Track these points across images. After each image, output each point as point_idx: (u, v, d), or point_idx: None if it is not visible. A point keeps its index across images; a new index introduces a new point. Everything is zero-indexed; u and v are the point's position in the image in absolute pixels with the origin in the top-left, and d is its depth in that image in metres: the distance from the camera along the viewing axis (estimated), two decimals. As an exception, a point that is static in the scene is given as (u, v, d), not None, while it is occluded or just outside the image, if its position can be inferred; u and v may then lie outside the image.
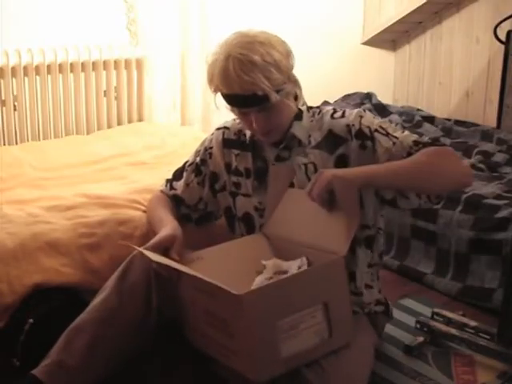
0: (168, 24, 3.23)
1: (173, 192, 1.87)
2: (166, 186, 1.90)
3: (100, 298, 1.61)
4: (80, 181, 2.42)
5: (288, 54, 1.59)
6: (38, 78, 2.92)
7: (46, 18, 2.96)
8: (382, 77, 4.27)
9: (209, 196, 1.84)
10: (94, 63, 3.04)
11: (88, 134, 3.10)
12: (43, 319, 1.76)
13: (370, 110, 3.75)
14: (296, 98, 1.65)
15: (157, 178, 2.39)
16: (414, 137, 1.64)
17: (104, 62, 3.07)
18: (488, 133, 3.43)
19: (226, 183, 1.80)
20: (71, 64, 2.98)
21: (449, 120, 3.71)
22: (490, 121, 3.65)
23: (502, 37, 3.43)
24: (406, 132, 1.66)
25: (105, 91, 3.13)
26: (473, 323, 2.05)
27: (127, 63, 3.17)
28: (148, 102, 3.27)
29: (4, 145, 2.88)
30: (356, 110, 1.66)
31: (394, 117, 3.74)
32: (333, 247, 1.48)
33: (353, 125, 1.62)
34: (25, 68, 2.86)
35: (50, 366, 1.51)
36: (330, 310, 1.45)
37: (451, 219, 2.49)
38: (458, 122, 3.66)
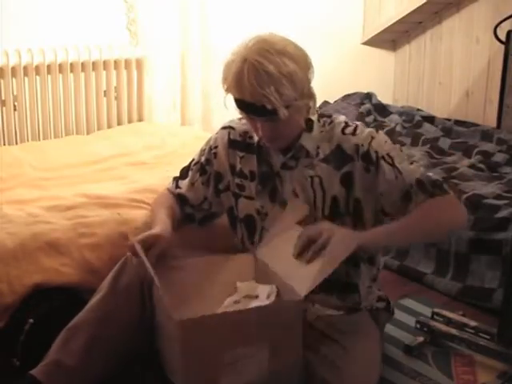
0: (168, 24, 3.23)
1: (178, 191, 1.85)
2: (173, 184, 1.89)
3: (96, 298, 1.63)
4: (80, 181, 2.41)
5: (306, 67, 1.56)
6: (38, 77, 2.92)
7: (46, 18, 2.96)
8: (382, 77, 4.27)
9: (213, 196, 1.83)
10: (93, 63, 3.04)
11: (88, 133, 3.11)
12: (43, 319, 1.76)
13: (369, 110, 3.76)
14: (308, 109, 1.62)
15: (157, 177, 2.40)
16: (419, 173, 1.62)
17: (104, 62, 3.07)
18: (488, 133, 3.42)
19: (230, 183, 1.79)
20: (71, 64, 2.98)
21: (449, 120, 3.71)
22: (490, 121, 3.65)
23: (502, 37, 3.43)
24: (413, 166, 1.64)
25: (105, 91, 3.13)
26: (473, 323, 2.05)
27: (127, 63, 3.17)
28: (148, 102, 3.27)
29: (4, 145, 2.88)
30: (368, 130, 1.64)
31: (394, 117, 3.75)
32: (296, 287, 1.45)
33: (362, 145, 1.61)
34: (25, 68, 2.86)
35: (48, 366, 1.53)
36: (276, 352, 1.41)
37: (451, 219, 2.49)
38: (457, 122, 3.66)
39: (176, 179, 1.89)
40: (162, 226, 1.65)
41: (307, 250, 1.49)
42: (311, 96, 1.60)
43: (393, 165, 1.60)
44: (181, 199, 1.84)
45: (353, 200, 1.64)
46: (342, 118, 1.70)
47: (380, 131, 1.68)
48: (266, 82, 1.47)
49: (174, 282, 1.53)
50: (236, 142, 1.76)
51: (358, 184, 1.62)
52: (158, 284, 1.42)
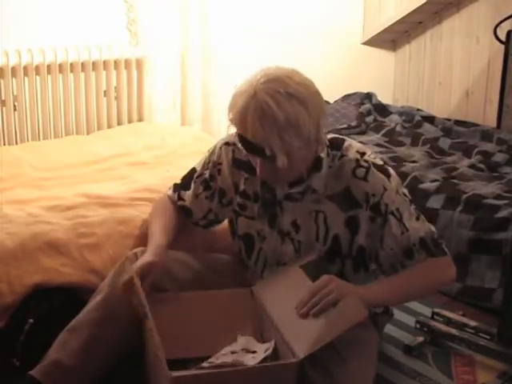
0: (168, 24, 3.22)
1: (181, 203, 1.81)
2: (174, 193, 1.83)
3: (95, 299, 1.63)
4: (80, 181, 2.41)
5: (317, 113, 1.46)
6: (38, 77, 2.91)
7: (46, 18, 2.96)
8: (382, 77, 4.27)
9: (218, 208, 1.79)
10: (93, 63, 3.04)
11: (88, 133, 3.10)
12: (43, 319, 1.76)
13: (369, 110, 3.75)
14: (315, 153, 1.55)
15: (157, 177, 2.40)
16: (423, 231, 1.60)
17: (104, 62, 3.07)
18: (488, 133, 3.42)
19: (233, 200, 1.75)
20: (71, 64, 2.98)
21: (449, 120, 3.71)
22: (490, 121, 3.65)
23: (502, 37, 3.43)
24: (419, 222, 1.61)
25: (105, 91, 3.13)
26: (473, 323, 2.05)
27: (127, 63, 3.17)
28: (148, 102, 3.27)
29: (4, 145, 2.88)
30: (381, 178, 1.56)
31: (394, 117, 3.74)
32: (295, 347, 1.41)
33: (373, 195, 1.55)
34: (25, 68, 2.86)
35: (47, 366, 1.54)
36: None
37: (451, 219, 2.49)
38: (458, 122, 3.66)
39: (177, 188, 1.83)
40: (154, 250, 1.61)
41: (312, 304, 1.45)
42: (319, 142, 1.52)
43: (400, 221, 1.57)
44: (185, 212, 1.80)
45: (357, 245, 1.62)
46: (354, 150, 1.59)
47: (393, 176, 1.59)
48: (270, 126, 1.39)
49: (167, 316, 1.51)
50: (241, 162, 1.68)
51: (363, 230, 1.59)
52: (151, 324, 1.38)
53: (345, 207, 1.59)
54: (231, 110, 1.47)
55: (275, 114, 1.39)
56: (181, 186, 1.84)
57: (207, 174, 1.77)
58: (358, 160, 1.58)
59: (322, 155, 1.58)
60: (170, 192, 1.86)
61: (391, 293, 1.58)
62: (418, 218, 1.62)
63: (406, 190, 1.65)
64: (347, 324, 1.43)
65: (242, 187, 1.71)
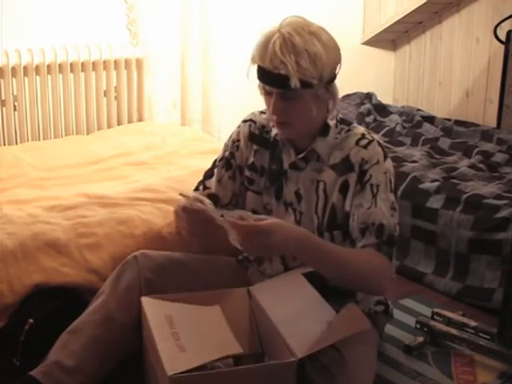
0: (168, 24, 3.23)
1: (207, 191, 1.79)
2: (199, 187, 1.82)
3: (96, 302, 1.64)
4: (80, 181, 2.42)
5: (334, 58, 1.57)
6: (37, 77, 2.92)
7: (45, 18, 2.96)
8: (382, 77, 4.27)
9: (240, 191, 1.79)
10: (93, 63, 3.04)
11: (88, 133, 3.11)
12: (43, 319, 1.76)
13: (369, 110, 3.76)
14: (327, 110, 1.62)
15: (157, 178, 2.40)
16: (387, 220, 1.56)
17: (104, 62, 3.07)
18: (488, 133, 3.42)
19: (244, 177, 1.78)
20: (71, 64, 2.98)
21: (449, 120, 3.71)
22: (490, 121, 3.65)
23: (502, 37, 3.43)
24: (389, 211, 1.57)
25: (105, 91, 3.13)
26: (473, 323, 2.05)
27: (127, 63, 3.17)
28: (148, 102, 3.27)
29: (4, 145, 2.88)
30: (378, 151, 1.60)
31: (394, 117, 3.74)
32: (294, 347, 1.40)
33: (366, 162, 1.59)
34: (25, 68, 2.86)
35: (48, 367, 1.54)
36: None
37: (451, 219, 2.49)
38: (458, 122, 3.66)
39: (201, 182, 1.83)
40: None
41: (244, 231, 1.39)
42: (332, 94, 1.60)
43: (374, 196, 1.57)
44: (212, 199, 1.75)
45: (345, 212, 1.62)
46: (362, 129, 1.67)
47: (389, 161, 1.63)
48: (289, 50, 1.49)
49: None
50: (254, 135, 1.75)
51: (349, 196, 1.60)
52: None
53: (342, 171, 1.62)
54: (254, 48, 1.57)
55: (294, 41, 1.50)
56: (204, 177, 1.83)
57: (227, 153, 1.80)
58: (363, 134, 1.64)
59: (331, 123, 1.65)
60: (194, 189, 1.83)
61: (326, 257, 1.49)
62: (391, 208, 1.59)
63: (393, 180, 1.63)
64: (349, 332, 1.44)
65: (251, 160, 1.75)
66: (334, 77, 1.59)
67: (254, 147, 1.75)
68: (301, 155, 1.66)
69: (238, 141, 1.78)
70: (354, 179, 1.60)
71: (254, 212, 1.71)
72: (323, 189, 1.64)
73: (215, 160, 1.84)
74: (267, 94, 1.59)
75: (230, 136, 1.82)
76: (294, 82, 1.49)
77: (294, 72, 1.48)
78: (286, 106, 1.55)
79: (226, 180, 1.78)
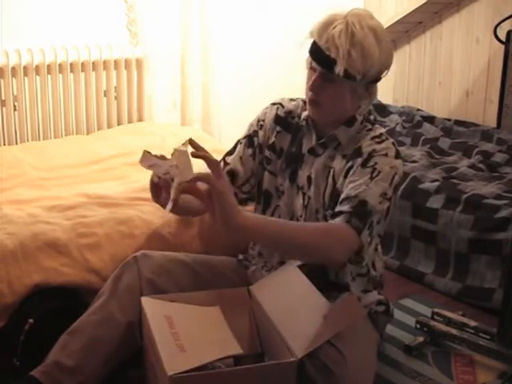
0: (168, 24, 3.23)
1: (227, 168, 1.76)
2: (221, 163, 1.77)
3: (97, 303, 1.64)
4: (80, 181, 2.42)
5: (385, 61, 1.60)
6: (37, 77, 2.92)
7: (45, 18, 2.96)
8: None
9: (258, 171, 1.79)
10: (93, 63, 3.04)
11: (88, 133, 3.11)
12: (43, 319, 1.76)
13: (369, 110, 3.74)
14: (359, 106, 1.66)
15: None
16: (374, 203, 1.54)
17: (104, 62, 3.07)
18: (488, 133, 3.42)
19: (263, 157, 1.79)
20: (71, 64, 2.98)
21: (449, 120, 3.71)
22: (490, 121, 3.65)
23: (502, 37, 3.42)
24: (381, 199, 1.55)
25: (105, 91, 3.13)
26: (473, 323, 2.05)
27: (127, 63, 3.17)
28: (148, 102, 3.27)
29: (4, 145, 2.88)
30: (390, 148, 1.62)
31: (394, 117, 3.74)
32: (294, 346, 1.40)
33: (375, 152, 1.60)
34: (25, 68, 2.86)
35: (48, 367, 1.55)
36: None
37: (451, 219, 2.49)
38: (457, 122, 3.66)
39: (222, 159, 1.80)
40: None
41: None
42: (371, 93, 1.65)
43: (371, 179, 1.57)
44: (230, 175, 1.75)
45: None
46: (382, 130, 1.69)
47: (399, 161, 1.62)
48: (346, 38, 1.53)
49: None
50: (280, 117, 1.78)
51: (348, 176, 1.61)
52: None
53: (349, 159, 1.64)
54: (315, 24, 1.63)
55: (355, 32, 1.54)
56: (226, 154, 1.82)
57: (251, 130, 1.81)
58: (381, 134, 1.67)
59: (358, 118, 1.68)
60: None
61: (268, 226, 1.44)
62: (384, 197, 1.56)
63: (397, 180, 1.61)
64: (345, 323, 1.44)
65: (272, 140, 1.77)
66: (378, 79, 1.63)
67: (278, 128, 1.77)
68: (321, 140, 1.68)
69: (263, 120, 1.80)
70: (358, 163, 1.61)
71: (266, 192, 1.76)
72: (332, 175, 1.66)
73: (238, 140, 1.84)
74: (311, 69, 1.63)
75: (256, 117, 1.84)
76: (339, 69, 1.54)
77: (342, 59, 1.53)
78: (323, 86, 1.60)
79: (247, 157, 1.78)
